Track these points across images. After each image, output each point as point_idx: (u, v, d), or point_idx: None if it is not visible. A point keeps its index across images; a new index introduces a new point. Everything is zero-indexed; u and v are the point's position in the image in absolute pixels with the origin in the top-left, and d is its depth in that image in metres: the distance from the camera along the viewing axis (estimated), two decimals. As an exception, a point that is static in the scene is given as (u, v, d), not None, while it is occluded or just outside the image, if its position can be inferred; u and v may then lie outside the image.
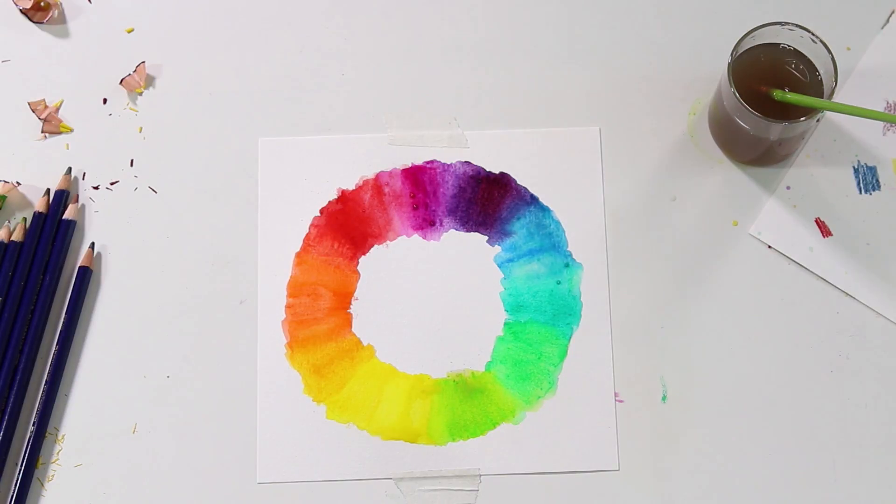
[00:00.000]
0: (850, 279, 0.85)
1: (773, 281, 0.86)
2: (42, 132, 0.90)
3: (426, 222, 0.88)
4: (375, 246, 0.88)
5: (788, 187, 0.87)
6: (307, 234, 0.88)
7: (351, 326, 0.86)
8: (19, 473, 0.83)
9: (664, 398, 0.84)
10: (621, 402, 0.85)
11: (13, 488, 0.83)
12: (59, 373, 0.85)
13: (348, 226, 0.88)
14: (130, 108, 0.90)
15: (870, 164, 0.88)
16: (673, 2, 0.91)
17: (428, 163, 0.89)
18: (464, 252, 0.87)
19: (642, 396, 0.84)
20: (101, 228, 0.88)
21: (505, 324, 0.86)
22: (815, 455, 0.83)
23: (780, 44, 0.83)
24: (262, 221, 0.88)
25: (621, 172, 0.88)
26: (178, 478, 0.84)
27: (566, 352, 0.85)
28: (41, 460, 0.84)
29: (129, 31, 0.92)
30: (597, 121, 0.89)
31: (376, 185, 0.89)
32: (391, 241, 0.88)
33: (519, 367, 0.85)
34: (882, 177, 0.87)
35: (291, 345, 0.86)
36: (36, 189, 0.89)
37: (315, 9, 0.92)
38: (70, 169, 0.89)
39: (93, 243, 0.87)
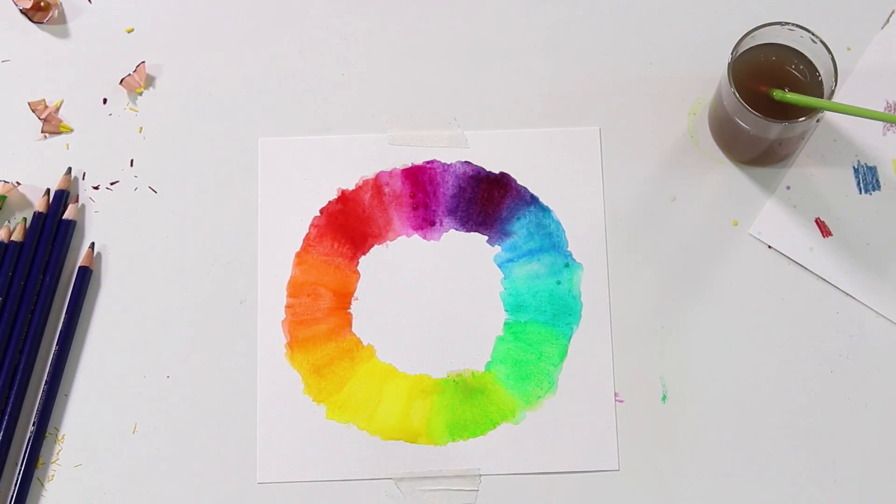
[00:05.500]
0: (850, 279, 0.86)
1: (773, 281, 0.86)
2: (42, 132, 0.90)
3: (426, 222, 0.88)
4: (375, 246, 0.88)
5: (788, 187, 0.87)
6: (307, 234, 0.88)
7: (351, 326, 0.86)
8: (19, 473, 0.83)
9: (664, 398, 0.85)
10: (621, 402, 0.85)
11: (13, 488, 0.83)
12: (59, 373, 0.85)
13: (348, 226, 0.88)
14: (130, 108, 0.90)
15: (870, 164, 0.88)
16: (673, 2, 0.91)
17: (428, 163, 0.89)
18: (464, 252, 0.87)
19: (642, 396, 0.84)
20: (101, 228, 0.88)
21: (505, 324, 0.86)
22: (815, 455, 0.83)
23: (779, 44, 0.83)
24: (262, 221, 0.88)
25: (621, 172, 0.88)
26: (178, 478, 0.84)
27: (566, 352, 0.85)
28: (41, 460, 0.84)
29: (129, 31, 0.92)
30: (597, 121, 0.89)
31: (376, 185, 0.89)
32: (391, 241, 0.88)
33: (519, 367, 0.85)
34: (882, 177, 0.87)
35: (291, 345, 0.86)
36: (36, 189, 0.89)
37: (315, 9, 0.92)
38: (70, 169, 0.89)
39: (93, 243, 0.87)
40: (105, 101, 0.91)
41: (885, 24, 0.90)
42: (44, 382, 0.85)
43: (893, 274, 0.86)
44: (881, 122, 0.88)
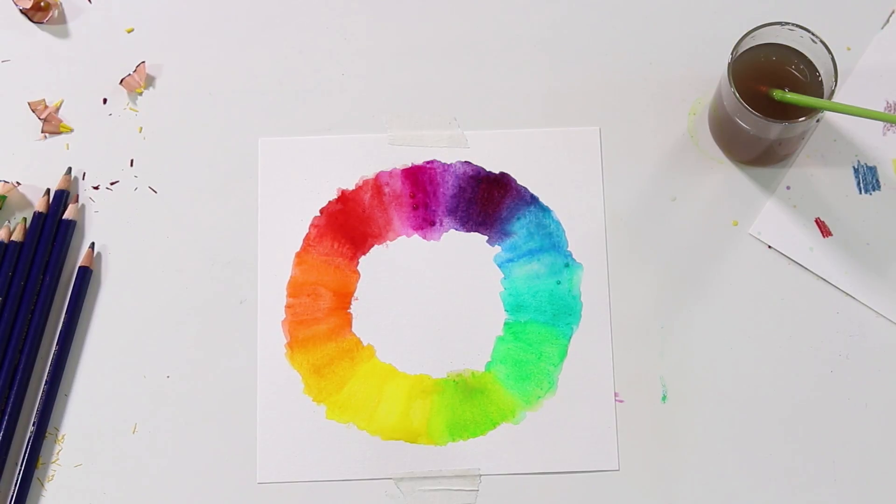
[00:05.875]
0: (850, 279, 0.86)
1: (773, 281, 0.86)
2: (42, 132, 0.90)
3: (426, 222, 0.88)
4: (375, 246, 0.88)
5: (788, 187, 0.87)
6: (307, 234, 0.88)
7: (351, 326, 0.86)
8: (19, 473, 0.83)
9: (664, 398, 0.85)
10: (621, 402, 0.85)
11: (13, 488, 0.83)
12: (59, 373, 0.85)
13: (348, 226, 0.88)
14: (130, 108, 0.90)
15: (870, 164, 0.88)
16: (673, 2, 0.91)
17: (428, 163, 0.89)
18: (464, 252, 0.87)
19: (642, 396, 0.84)
20: (101, 228, 0.88)
21: (505, 324, 0.86)
22: (815, 455, 0.83)
23: (779, 44, 0.83)
24: (262, 221, 0.88)
25: (621, 172, 0.88)
26: (178, 478, 0.84)
27: (566, 352, 0.85)
28: (41, 460, 0.84)
29: (129, 31, 0.92)
30: (597, 121, 0.89)
31: (376, 185, 0.89)
32: (391, 241, 0.88)
33: (519, 367, 0.85)
34: (882, 177, 0.87)
35: (291, 345, 0.86)
36: (36, 189, 0.89)
37: (315, 9, 0.92)
38: (70, 169, 0.89)
39: (93, 243, 0.87)
40: (105, 101, 0.91)
41: (885, 24, 0.90)
42: (44, 382, 0.85)
43: (893, 274, 0.86)
44: (881, 122, 0.88)
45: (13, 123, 0.90)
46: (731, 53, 0.81)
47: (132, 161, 0.89)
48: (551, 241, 0.87)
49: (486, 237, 0.88)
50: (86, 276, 0.86)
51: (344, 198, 0.88)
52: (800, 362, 0.85)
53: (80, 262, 0.87)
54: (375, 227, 0.88)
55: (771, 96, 0.82)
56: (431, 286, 0.87)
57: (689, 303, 0.86)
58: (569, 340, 0.85)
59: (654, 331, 0.85)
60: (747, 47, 0.82)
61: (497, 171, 0.89)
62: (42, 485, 0.84)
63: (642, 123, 0.89)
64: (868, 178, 0.87)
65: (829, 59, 0.80)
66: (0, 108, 0.90)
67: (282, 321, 0.86)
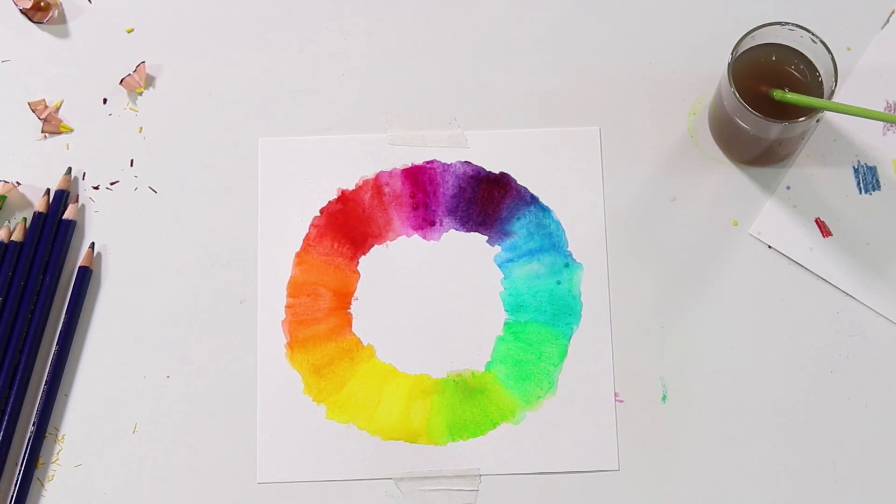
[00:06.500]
0: (850, 279, 0.86)
1: (773, 281, 0.86)
2: (42, 132, 0.90)
3: (426, 222, 0.88)
4: (375, 246, 0.88)
5: (788, 187, 0.87)
6: (307, 234, 0.88)
7: (351, 326, 0.86)
8: (19, 473, 0.83)
9: (664, 398, 0.85)
10: (621, 402, 0.85)
11: (13, 488, 0.83)
12: (59, 373, 0.85)
13: (348, 226, 0.88)
14: (130, 108, 0.90)
15: (870, 164, 0.88)
16: (673, 2, 0.91)
17: (428, 163, 0.89)
18: (464, 252, 0.87)
19: (642, 396, 0.84)
20: (101, 228, 0.88)
21: (505, 324, 0.86)
22: (815, 455, 0.83)
23: (779, 44, 0.83)
24: (262, 221, 0.88)
25: (621, 172, 0.88)
26: (178, 478, 0.84)
27: (566, 352, 0.85)
28: (41, 460, 0.84)
29: (129, 31, 0.92)
30: (597, 121, 0.89)
31: (376, 185, 0.89)
32: (391, 241, 0.88)
33: (519, 367, 0.85)
34: (882, 177, 0.87)
35: (291, 345, 0.86)
36: (36, 189, 0.89)
37: (315, 9, 0.92)
38: (70, 169, 0.89)
39: (93, 243, 0.87)
40: (105, 101, 0.91)
41: (885, 24, 0.90)
42: (44, 382, 0.85)
43: (893, 274, 0.86)
44: (881, 122, 0.88)
45: (13, 123, 0.90)
46: (731, 53, 0.81)
47: (132, 161, 0.89)
48: (551, 241, 0.87)
49: (486, 237, 0.88)
50: (86, 276, 0.86)
51: (344, 198, 0.88)
52: (800, 362, 0.85)
53: (80, 262, 0.87)
54: (375, 227, 0.88)
55: (771, 96, 0.82)
56: (431, 286, 0.87)
57: (689, 303, 0.86)
58: (569, 340, 0.85)
59: (654, 331, 0.85)
60: (747, 47, 0.82)
61: (497, 171, 0.89)
62: (42, 485, 0.84)
63: (642, 123, 0.89)
64: (868, 178, 0.87)
65: (829, 59, 0.80)
66: (0, 108, 0.90)
67: (282, 321, 0.86)
